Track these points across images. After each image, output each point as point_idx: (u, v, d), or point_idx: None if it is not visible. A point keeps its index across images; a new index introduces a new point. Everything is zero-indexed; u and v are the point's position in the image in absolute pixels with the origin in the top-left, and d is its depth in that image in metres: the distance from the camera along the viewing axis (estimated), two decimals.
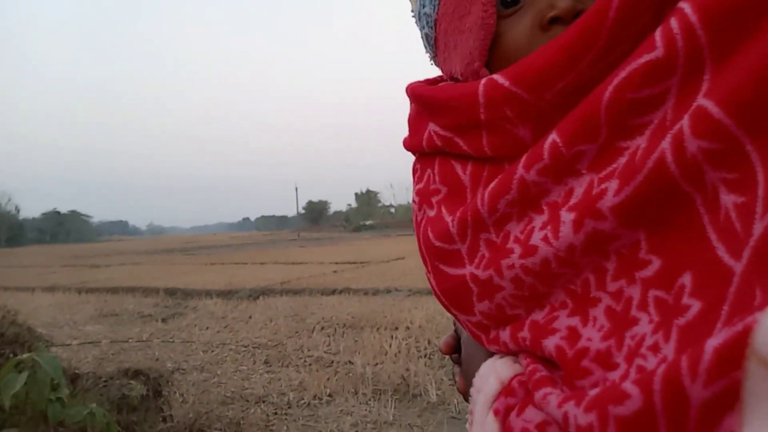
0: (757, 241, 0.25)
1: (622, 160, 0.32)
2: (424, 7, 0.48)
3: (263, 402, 3.65)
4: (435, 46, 0.49)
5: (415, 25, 0.52)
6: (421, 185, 0.49)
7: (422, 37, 0.51)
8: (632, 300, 0.32)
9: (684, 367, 0.24)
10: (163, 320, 6.77)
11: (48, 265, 20.20)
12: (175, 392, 3.73)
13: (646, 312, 0.31)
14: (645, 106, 0.31)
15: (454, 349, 0.54)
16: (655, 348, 0.30)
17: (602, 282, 0.34)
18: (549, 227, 0.36)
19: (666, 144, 0.29)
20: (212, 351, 5.08)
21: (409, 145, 0.51)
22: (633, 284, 0.33)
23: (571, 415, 0.30)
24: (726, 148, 0.27)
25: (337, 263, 13.54)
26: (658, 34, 0.30)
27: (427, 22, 0.48)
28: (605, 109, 0.32)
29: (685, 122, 0.28)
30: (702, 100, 0.28)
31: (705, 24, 0.28)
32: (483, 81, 0.40)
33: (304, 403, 3.60)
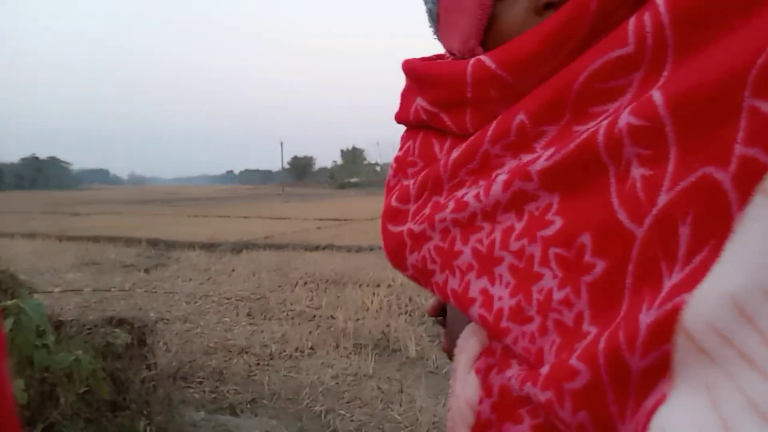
0: (659, 210, 0.28)
1: (572, 144, 0.34)
2: None
3: (246, 353, 3.72)
4: (437, 21, 0.50)
5: None
6: (400, 153, 0.52)
7: (426, 11, 0.52)
8: (533, 257, 0.35)
9: (623, 342, 0.28)
10: (146, 270, 6.77)
11: (27, 211, 19.87)
12: (159, 341, 3.78)
13: (549, 268, 0.34)
14: (607, 96, 0.33)
15: (439, 312, 0.58)
16: (567, 303, 0.33)
17: (506, 242, 0.37)
18: (483, 187, 0.39)
19: (604, 122, 0.32)
20: (195, 302, 5.12)
21: (399, 117, 0.53)
22: (534, 242, 0.36)
23: (532, 394, 0.34)
24: (648, 127, 0.29)
25: (321, 219, 13.56)
26: (631, 28, 0.32)
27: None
28: (574, 95, 0.34)
29: (626, 114, 0.30)
30: (653, 92, 0.30)
31: (674, 23, 0.30)
32: (471, 61, 0.41)
33: (286, 354, 3.68)
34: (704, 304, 0.25)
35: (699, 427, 0.25)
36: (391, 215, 0.49)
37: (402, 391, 3.05)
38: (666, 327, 0.26)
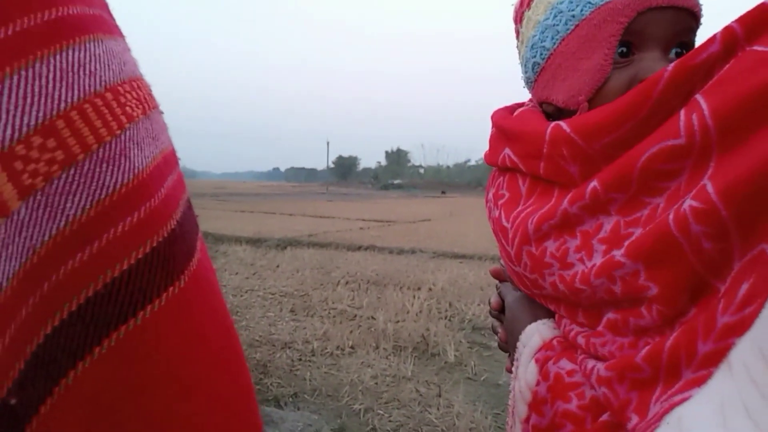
0: (733, 271, 0.37)
1: (645, 211, 0.42)
2: (543, 41, 0.56)
3: (289, 348, 3.84)
4: (539, 73, 0.57)
5: (516, 49, 0.61)
6: (494, 190, 0.61)
7: (527, 63, 0.59)
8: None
9: (683, 356, 0.38)
10: None
11: None
12: None
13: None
14: (666, 176, 0.41)
15: (501, 308, 0.67)
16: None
17: (612, 298, 0.45)
18: (583, 251, 0.47)
19: (672, 207, 0.40)
20: (241, 296, 5.30)
21: (489, 160, 0.62)
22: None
23: (596, 369, 0.44)
24: (707, 209, 0.37)
25: (363, 220, 13.69)
26: (682, 124, 0.40)
27: (541, 54, 0.56)
28: (638, 171, 0.42)
29: (689, 200, 0.38)
30: (706, 181, 0.38)
31: (716, 126, 0.38)
32: (551, 125, 0.50)
33: (328, 352, 3.77)
34: (744, 345, 0.34)
35: (706, 419, 0.34)
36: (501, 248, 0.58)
37: (440, 395, 3.08)
38: (717, 357, 0.35)
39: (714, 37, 0.41)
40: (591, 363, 0.46)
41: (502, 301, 0.66)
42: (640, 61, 0.50)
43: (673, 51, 0.51)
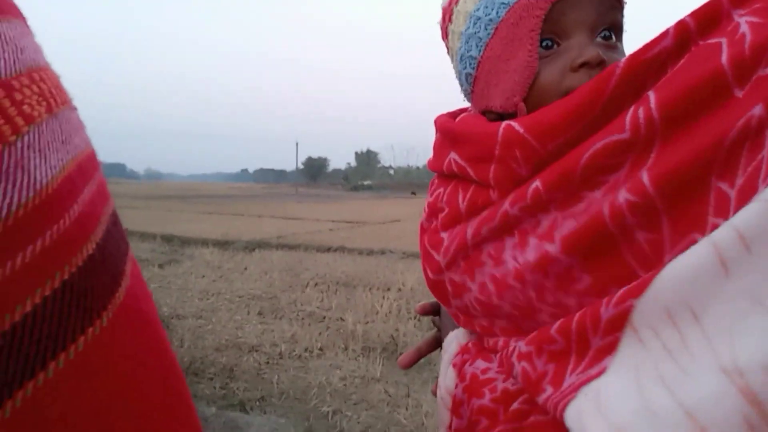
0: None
1: (581, 205, 0.42)
2: (469, 50, 0.55)
3: (256, 351, 3.78)
4: (473, 83, 0.57)
5: (451, 64, 0.60)
6: (431, 199, 0.60)
7: (459, 76, 0.59)
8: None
9: (589, 325, 0.40)
10: (160, 266, 6.88)
11: None
12: (172, 336, 3.85)
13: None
14: (608, 170, 0.41)
15: (431, 312, 0.68)
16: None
17: (542, 296, 0.45)
18: (518, 248, 0.47)
19: (607, 196, 0.41)
20: (207, 299, 5.20)
21: (433, 166, 0.61)
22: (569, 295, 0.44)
23: (517, 347, 0.46)
24: (641, 203, 0.38)
25: (333, 221, 13.63)
26: (628, 119, 0.40)
27: (470, 64, 0.56)
28: (581, 169, 0.42)
29: (624, 191, 0.39)
30: (644, 171, 0.38)
31: (661, 113, 0.38)
32: (503, 125, 0.48)
33: (296, 354, 3.74)
34: (646, 307, 0.36)
35: (622, 390, 0.35)
36: (429, 261, 0.57)
37: (409, 396, 3.08)
38: (620, 321, 0.37)
39: (667, 31, 0.41)
40: (513, 343, 0.47)
41: (436, 305, 0.67)
42: (568, 50, 0.50)
43: (602, 33, 0.50)
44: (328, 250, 8.17)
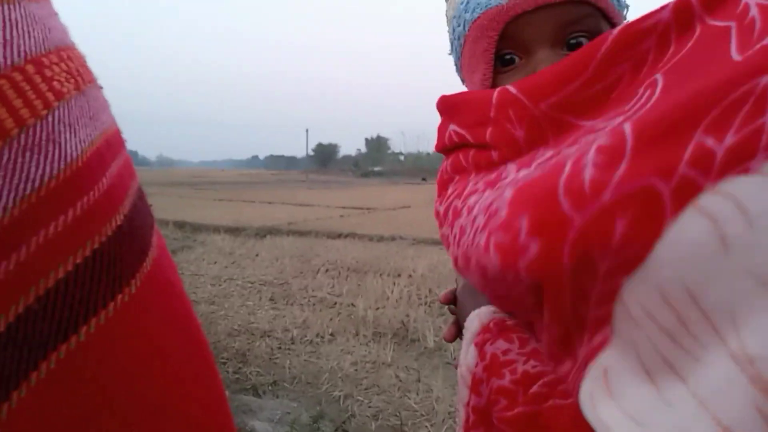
0: (602, 204, 0.35)
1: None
2: (454, 52, 0.59)
3: (268, 336, 3.82)
4: (461, 69, 0.60)
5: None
6: (437, 176, 0.61)
7: (454, 62, 0.63)
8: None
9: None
10: (173, 252, 6.92)
11: None
12: None
13: None
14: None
15: (452, 300, 0.67)
16: None
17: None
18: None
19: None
20: (220, 285, 5.26)
21: (438, 146, 0.61)
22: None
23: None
24: (612, 146, 0.35)
25: (344, 208, 13.65)
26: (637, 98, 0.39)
27: (456, 64, 0.60)
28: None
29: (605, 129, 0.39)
30: (625, 124, 0.36)
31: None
32: (498, 89, 0.49)
33: (307, 340, 3.77)
34: (637, 286, 0.33)
35: (630, 373, 0.34)
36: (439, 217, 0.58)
37: (419, 381, 3.10)
38: (609, 296, 0.35)
39: (666, 5, 0.40)
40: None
41: (453, 295, 0.67)
42: (530, 65, 0.51)
43: (572, 41, 0.50)
44: (339, 236, 8.20)
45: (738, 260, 0.30)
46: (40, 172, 0.20)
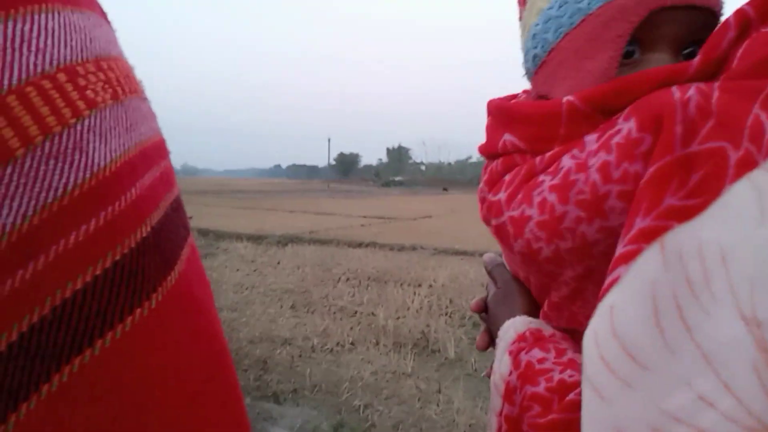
0: (684, 153, 0.39)
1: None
2: (546, 32, 0.51)
3: (289, 344, 3.84)
4: (540, 66, 0.53)
5: (519, 36, 0.57)
6: (486, 176, 0.57)
7: (526, 52, 0.55)
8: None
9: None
10: None
11: None
12: None
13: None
14: None
15: (482, 308, 0.65)
16: None
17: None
18: (576, 148, 0.46)
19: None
20: (242, 292, 5.31)
21: (485, 150, 0.58)
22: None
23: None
24: (702, 104, 0.39)
25: (365, 217, 13.69)
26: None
27: (542, 46, 0.52)
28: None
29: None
30: (714, 88, 0.39)
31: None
32: (565, 102, 0.47)
33: (328, 348, 3.78)
34: (682, 234, 0.35)
35: (636, 314, 0.34)
36: (490, 211, 0.55)
37: (440, 392, 3.08)
38: (650, 235, 0.36)
39: (728, 22, 0.40)
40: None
41: (484, 303, 0.66)
42: (647, 63, 0.47)
43: (688, 50, 0.47)
44: (360, 245, 8.22)
45: None
46: (63, 180, 0.20)
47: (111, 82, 0.24)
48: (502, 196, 0.52)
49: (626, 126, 0.42)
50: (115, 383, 0.21)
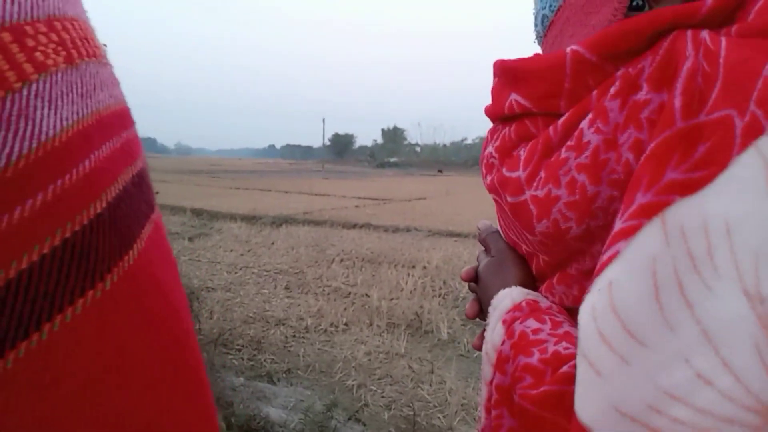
0: (689, 124, 0.38)
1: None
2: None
3: (282, 324, 3.86)
4: (548, 27, 0.52)
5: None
6: (497, 143, 0.54)
7: (536, 15, 0.54)
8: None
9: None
10: (190, 239, 7.04)
11: None
12: (201, 308, 3.96)
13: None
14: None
15: (474, 278, 0.63)
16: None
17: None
18: (598, 120, 0.44)
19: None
20: (236, 273, 5.31)
21: (491, 112, 0.56)
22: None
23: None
24: (709, 72, 0.38)
25: (359, 198, 13.67)
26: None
27: (550, 6, 0.51)
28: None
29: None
30: (721, 39, 0.39)
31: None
32: (569, 51, 0.45)
33: (321, 329, 3.80)
34: (685, 208, 0.34)
35: (637, 289, 0.34)
36: (506, 186, 0.52)
37: (432, 372, 3.11)
38: (650, 211, 0.35)
39: None
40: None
41: (474, 273, 0.63)
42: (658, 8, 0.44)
43: None
44: (354, 226, 8.22)
45: None
46: (7, 150, 0.18)
47: (65, 44, 0.22)
48: (521, 174, 0.49)
49: (650, 95, 0.40)
50: (66, 370, 0.20)
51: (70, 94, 0.21)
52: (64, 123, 0.20)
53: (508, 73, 0.52)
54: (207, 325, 3.61)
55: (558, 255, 0.50)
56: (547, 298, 0.53)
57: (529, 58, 0.51)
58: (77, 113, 0.21)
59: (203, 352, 2.81)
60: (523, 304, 0.51)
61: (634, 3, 0.45)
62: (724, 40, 0.38)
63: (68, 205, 0.20)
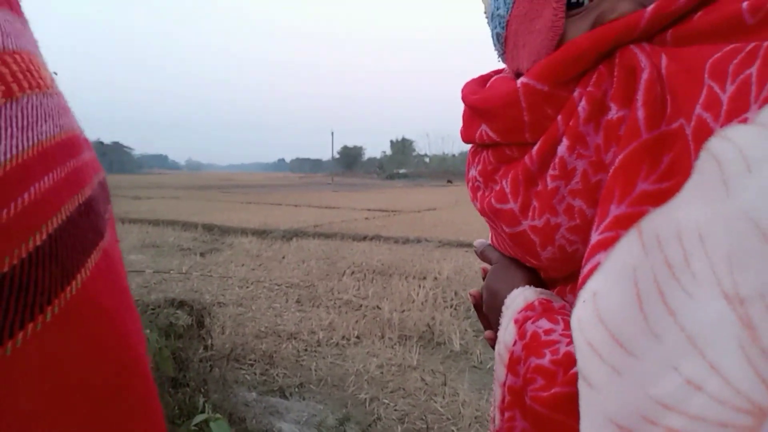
0: (649, 136, 0.40)
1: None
2: (498, 9, 0.52)
3: (294, 338, 3.86)
4: (504, 44, 0.54)
5: (487, 25, 0.57)
6: (480, 167, 0.56)
7: (493, 36, 0.56)
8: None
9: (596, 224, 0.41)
10: (202, 254, 7.08)
11: None
12: (215, 323, 3.97)
13: None
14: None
15: (480, 297, 0.63)
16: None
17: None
18: (577, 146, 0.45)
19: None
20: (247, 287, 5.33)
21: (465, 137, 0.58)
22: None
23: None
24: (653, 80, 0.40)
25: (369, 210, 13.69)
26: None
27: (500, 23, 0.53)
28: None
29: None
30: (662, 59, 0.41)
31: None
32: (520, 85, 0.46)
33: (333, 342, 3.79)
34: (659, 217, 0.35)
35: (621, 300, 0.34)
36: (499, 216, 0.53)
37: (445, 384, 3.09)
38: (626, 222, 0.36)
39: None
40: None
41: (480, 294, 0.63)
42: (600, 5, 0.45)
43: None
44: (364, 238, 8.22)
45: (736, 203, 0.32)
46: None
47: (4, 78, 0.21)
48: (513, 205, 0.50)
49: (621, 112, 0.42)
50: (8, 404, 0.20)
51: (9, 128, 0.21)
52: (3, 158, 0.20)
53: (474, 108, 0.54)
54: (219, 340, 3.62)
55: (567, 270, 0.51)
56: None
57: (486, 95, 0.53)
58: (17, 147, 0.21)
59: (216, 367, 2.82)
60: (536, 303, 0.51)
61: (573, 1, 0.46)
62: (663, 56, 0.40)
63: (6, 238, 0.20)
